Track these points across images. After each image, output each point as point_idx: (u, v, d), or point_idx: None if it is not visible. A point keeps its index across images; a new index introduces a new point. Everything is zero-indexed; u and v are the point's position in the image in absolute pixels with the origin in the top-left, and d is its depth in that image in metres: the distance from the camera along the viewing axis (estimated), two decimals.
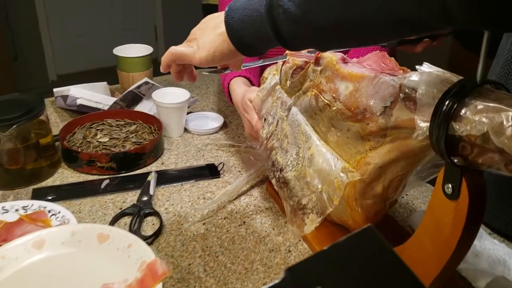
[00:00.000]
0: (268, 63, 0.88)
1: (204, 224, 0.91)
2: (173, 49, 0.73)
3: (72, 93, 1.23)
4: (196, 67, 0.78)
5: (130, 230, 0.87)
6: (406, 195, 1.02)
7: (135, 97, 1.29)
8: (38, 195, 0.98)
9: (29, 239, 0.76)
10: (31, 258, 0.75)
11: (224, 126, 1.28)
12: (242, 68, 0.79)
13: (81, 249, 0.76)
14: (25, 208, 0.90)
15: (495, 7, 0.41)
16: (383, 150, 0.67)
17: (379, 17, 0.52)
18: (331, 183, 0.72)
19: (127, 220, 0.92)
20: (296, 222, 0.78)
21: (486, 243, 0.86)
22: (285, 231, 0.88)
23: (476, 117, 0.53)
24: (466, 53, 1.43)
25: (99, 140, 1.14)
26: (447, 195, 0.60)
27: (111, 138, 1.15)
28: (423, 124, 0.59)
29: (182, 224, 0.91)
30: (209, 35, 0.69)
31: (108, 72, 1.82)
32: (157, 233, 0.88)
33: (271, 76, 0.89)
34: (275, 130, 0.85)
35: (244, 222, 0.92)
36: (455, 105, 0.55)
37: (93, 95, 1.25)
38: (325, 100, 0.72)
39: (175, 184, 1.03)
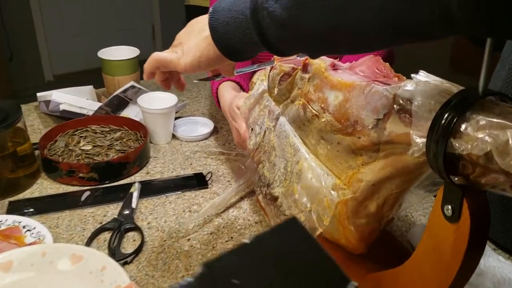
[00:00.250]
0: (263, 67, 0.83)
1: (188, 240, 0.85)
2: (156, 55, 0.68)
3: (55, 98, 1.18)
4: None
5: (109, 247, 0.82)
6: None
7: (121, 102, 1.23)
8: (14, 208, 0.92)
9: None
10: None
11: (214, 131, 1.22)
12: (236, 74, 0.73)
13: (51, 272, 0.71)
14: None
15: (498, 5, 0.35)
16: (377, 166, 0.61)
17: (375, 23, 0.46)
18: (321, 201, 0.66)
19: (107, 235, 0.86)
20: None
21: (491, 261, 0.80)
22: None
23: (478, 134, 0.47)
24: (469, 51, 1.37)
25: (82, 148, 1.08)
26: (447, 217, 0.55)
27: (94, 146, 1.09)
28: (419, 140, 0.53)
29: (165, 240, 0.85)
30: (194, 39, 0.64)
31: None
32: (138, 251, 0.82)
33: (259, 82, 0.84)
34: (262, 141, 0.79)
35: (231, 238, 0.86)
36: (455, 120, 0.49)
37: (76, 100, 1.19)
38: (313, 111, 0.66)
39: (159, 196, 0.97)
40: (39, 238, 0.82)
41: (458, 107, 0.49)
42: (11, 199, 0.95)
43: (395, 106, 0.56)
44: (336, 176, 0.67)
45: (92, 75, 1.87)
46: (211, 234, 0.87)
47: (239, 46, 0.59)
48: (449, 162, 0.51)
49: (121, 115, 1.23)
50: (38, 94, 1.26)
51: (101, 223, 0.89)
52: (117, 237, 0.84)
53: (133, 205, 0.92)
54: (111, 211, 0.93)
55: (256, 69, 0.77)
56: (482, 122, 0.47)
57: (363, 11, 0.45)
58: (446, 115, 0.49)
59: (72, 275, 0.70)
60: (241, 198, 0.97)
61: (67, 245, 0.75)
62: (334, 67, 0.66)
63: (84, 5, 3.94)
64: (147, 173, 1.05)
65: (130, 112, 1.24)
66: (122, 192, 0.97)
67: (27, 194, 0.97)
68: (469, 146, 0.47)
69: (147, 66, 0.68)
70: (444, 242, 0.56)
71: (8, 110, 0.96)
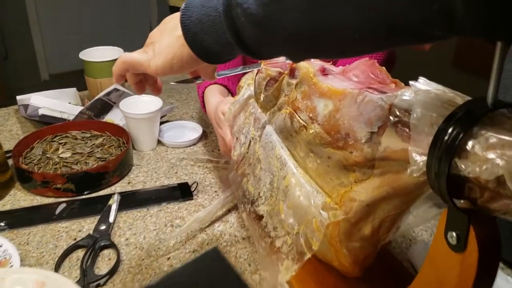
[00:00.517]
0: (248, 70, 0.75)
1: (168, 259, 0.78)
2: (125, 56, 0.61)
3: (33, 102, 1.11)
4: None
5: (82, 268, 0.75)
6: None
7: (105, 106, 1.16)
8: None
9: None
10: None
11: (203, 137, 1.15)
12: (217, 77, 0.66)
13: None
14: None
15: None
16: (371, 185, 0.54)
17: (362, 21, 0.39)
18: (309, 223, 0.58)
19: (80, 254, 0.79)
20: (268, 269, 0.65)
21: (499, 281, 0.73)
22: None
23: (487, 154, 0.40)
24: (474, 52, 1.29)
25: (60, 155, 1.01)
26: (451, 245, 0.48)
27: (74, 153, 1.02)
28: (419, 158, 0.46)
29: (143, 259, 0.78)
30: (166, 39, 0.57)
31: None
32: (112, 272, 0.75)
33: (246, 86, 0.76)
34: (247, 152, 0.72)
35: None
36: (460, 136, 0.42)
37: (56, 104, 1.12)
38: (301, 121, 0.59)
39: (140, 209, 0.90)
40: (5, 258, 0.75)
41: (464, 121, 0.42)
42: None
43: (391, 117, 0.49)
44: (327, 193, 0.60)
45: None
46: (193, 252, 0.80)
47: (214, 47, 0.51)
48: (453, 184, 0.44)
49: (105, 119, 1.16)
50: (18, 98, 1.19)
51: (75, 239, 0.82)
52: (91, 256, 0.77)
53: (111, 219, 0.85)
54: (87, 225, 0.86)
55: (240, 72, 0.70)
56: (492, 140, 0.40)
57: (347, 7, 0.38)
58: (450, 130, 0.42)
59: None
60: (229, 211, 0.90)
61: (30, 269, 0.68)
62: (324, 72, 0.58)
63: (80, 3, 3.87)
64: (129, 182, 0.98)
65: (114, 117, 1.17)
66: (100, 204, 0.90)
67: None
68: (477, 169, 0.40)
69: (115, 68, 0.61)
70: (448, 273, 0.49)
71: None
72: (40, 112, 1.11)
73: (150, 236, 0.83)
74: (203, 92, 1.00)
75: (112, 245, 0.80)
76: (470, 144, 0.41)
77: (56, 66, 3.93)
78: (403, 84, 0.54)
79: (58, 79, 3.84)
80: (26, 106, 1.13)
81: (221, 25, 0.49)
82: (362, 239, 0.58)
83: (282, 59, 0.68)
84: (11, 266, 0.74)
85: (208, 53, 0.53)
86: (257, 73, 0.72)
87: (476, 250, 0.46)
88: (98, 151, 1.03)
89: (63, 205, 0.90)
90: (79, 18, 3.92)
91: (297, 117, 0.59)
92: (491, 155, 0.39)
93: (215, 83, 0.98)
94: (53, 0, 3.75)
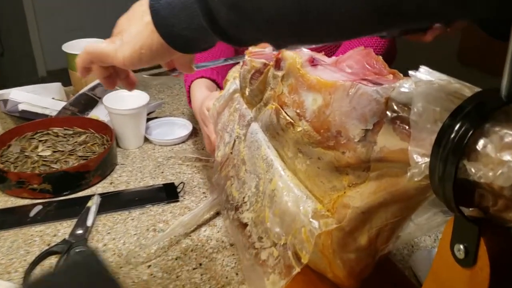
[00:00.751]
0: (232, 62, 0.69)
1: (149, 267, 0.72)
2: (89, 47, 0.54)
3: (12, 97, 1.05)
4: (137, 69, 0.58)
5: None
6: None
7: (89, 101, 1.10)
8: None
9: None
10: None
11: (193, 134, 1.08)
12: (196, 69, 0.59)
13: None
14: None
15: None
16: (367, 190, 0.47)
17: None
18: (298, 232, 0.52)
19: (54, 260, 0.73)
20: (254, 283, 0.59)
21: None
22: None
23: (502, 156, 0.33)
24: (482, 43, 1.21)
25: (40, 154, 0.95)
26: (458, 260, 0.41)
27: (54, 151, 0.96)
28: (421, 160, 0.39)
29: (121, 267, 0.72)
30: (135, 26, 0.50)
31: None
32: None
33: (232, 80, 0.70)
34: (231, 153, 0.66)
35: (200, 265, 0.73)
36: (469, 134, 0.35)
37: (38, 99, 1.06)
38: (288, 118, 0.52)
39: (121, 211, 0.84)
40: None
41: (474, 116, 0.36)
42: None
43: (388, 113, 0.43)
44: (318, 198, 0.53)
45: None
46: (176, 259, 0.74)
47: (187, 33, 0.45)
48: (461, 190, 0.37)
49: (89, 115, 1.10)
50: None
51: (48, 244, 0.76)
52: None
53: (89, 223, 0.79)
54: (64, 229, 0.80)
55: (222, 63, 0.63)
56: (508, 139, 0.34)
57: None
58: (457, 127, 0.36)
59: None
60: (217, 214, 0.83)
61: None
62: (313, 63, 0.52)
63: None
64: (111, 183, 0.92)
65: (99, 113, 1.10)
66: (79, 206, 0.84)
67: None
68: (490, 173, 0.33)
69: (78, 60, 0.54)
70: None
71: None
72: (20, 107, 1.05)
73: (130, 242, 0.77)
74: (189, 87, 0.93)
75: (88, 251, 0.74)
76: (481, 143, 0.35)
77: (54, 63, 3.87)
78: (401, 75, 0.48)
79: (56, 75, 3.78)
80: (5, 101, 1.07)
81: (193, 7, 0.43)
82: (358, 249, 0.51)
83: (269, 48, 0.62)
84: None
85: (180, 41, 0.47)
86: (242, 66, 0.65)
87: (488, 266, 0.39)
88: (80, 149, 0.97)
89: (38, 207, 0.84)
90: (77, 14, 3.86)
91: (284, 113, 0.53)
92: (507, 156, 0.33)
93: (202, 76, 0.91)
94: None
